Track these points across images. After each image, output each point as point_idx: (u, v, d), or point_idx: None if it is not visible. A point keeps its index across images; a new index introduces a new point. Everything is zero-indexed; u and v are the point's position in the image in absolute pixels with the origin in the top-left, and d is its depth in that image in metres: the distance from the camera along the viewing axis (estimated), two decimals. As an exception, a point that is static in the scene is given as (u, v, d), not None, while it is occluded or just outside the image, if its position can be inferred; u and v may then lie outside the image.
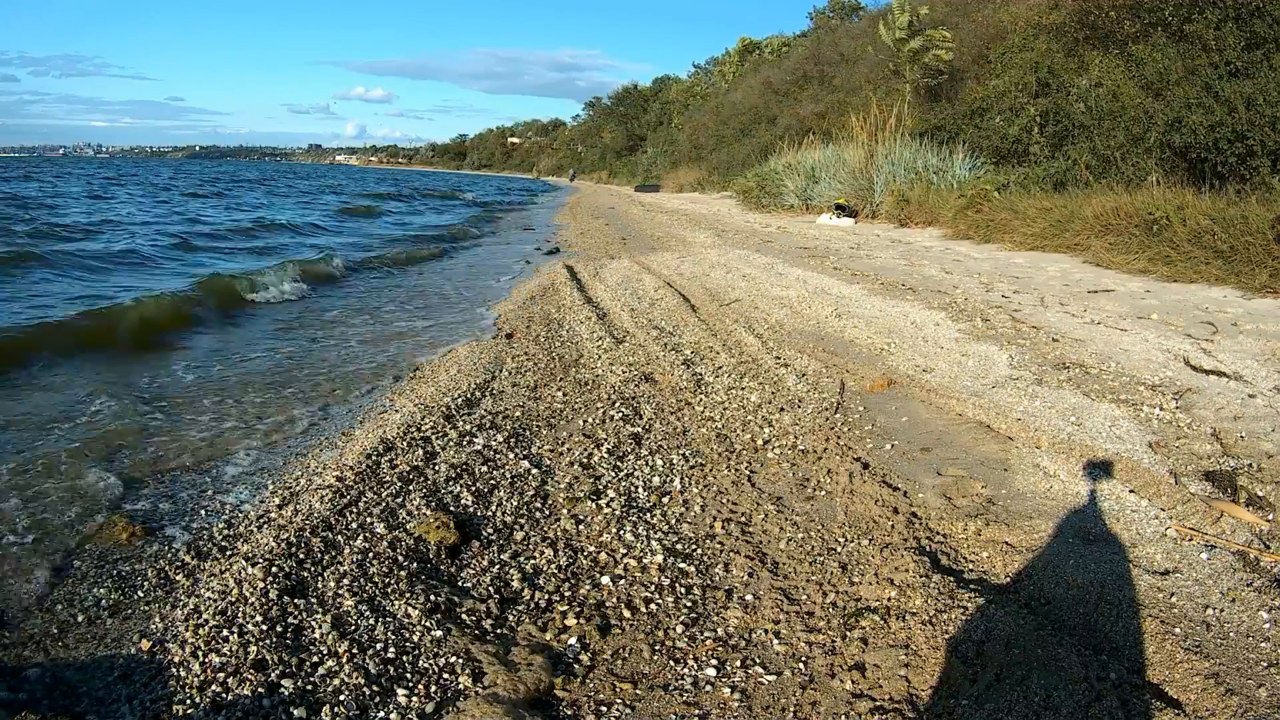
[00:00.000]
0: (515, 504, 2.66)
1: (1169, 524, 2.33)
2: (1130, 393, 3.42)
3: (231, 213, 15.90)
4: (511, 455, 3.06)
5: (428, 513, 2.51)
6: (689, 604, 2.10)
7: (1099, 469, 2.71)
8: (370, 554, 2.26)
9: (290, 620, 1.95)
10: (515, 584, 2.20)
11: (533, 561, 2.32)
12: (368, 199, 23.05)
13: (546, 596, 2.14)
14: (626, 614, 2.06)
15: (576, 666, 1.86)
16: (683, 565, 2.29)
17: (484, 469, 2.92)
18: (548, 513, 2.61)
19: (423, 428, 3.30)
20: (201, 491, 2.81)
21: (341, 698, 1.71)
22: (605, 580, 2.21)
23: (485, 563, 2.30)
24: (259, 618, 1.93)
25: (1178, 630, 1.84)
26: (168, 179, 32.39)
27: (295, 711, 1.66)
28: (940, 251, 8.40)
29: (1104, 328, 4.55)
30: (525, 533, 2.48)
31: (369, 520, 2.47)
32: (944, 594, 2.00)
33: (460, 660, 1.84)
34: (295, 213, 16.69)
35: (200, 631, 1.88)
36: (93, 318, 5.29)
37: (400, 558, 2.25)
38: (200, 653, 1.81)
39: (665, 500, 2.70)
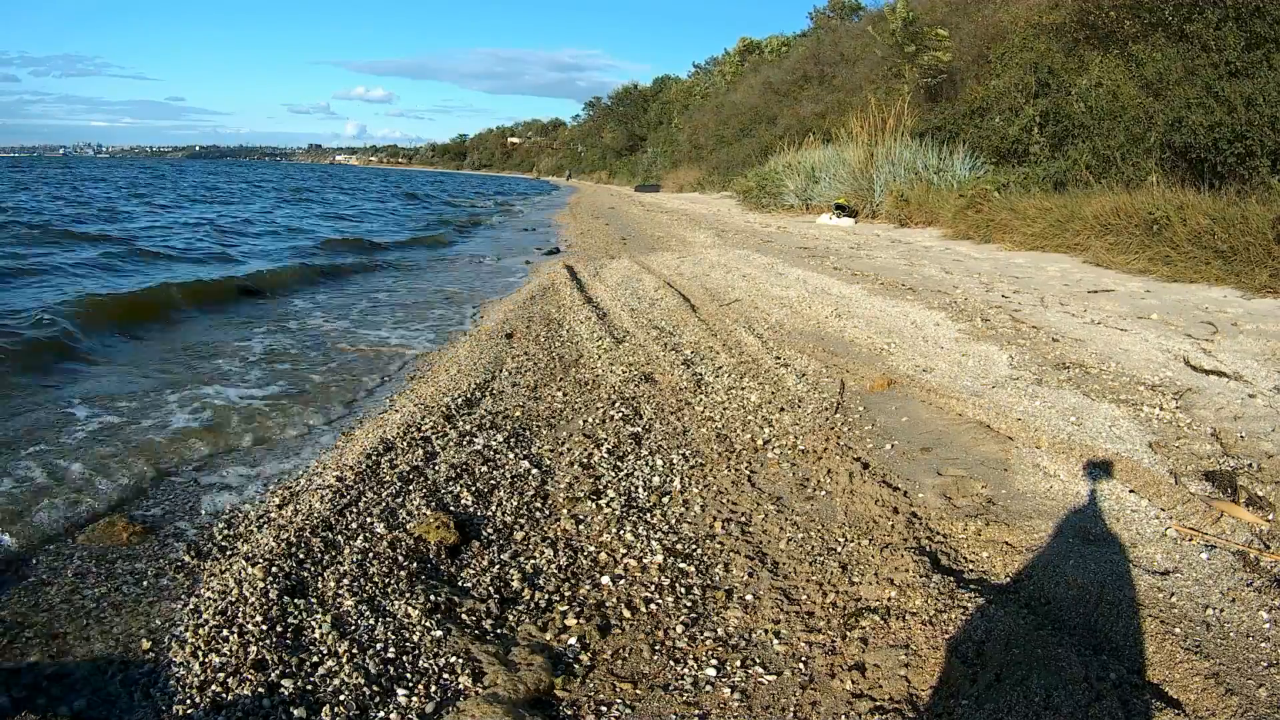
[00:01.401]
0: (515, 504, 2.66)
1: (1169, 524, 2.33)
2: (1130, 393, 3.42)
3: (390, 221, 17.30)
4: (511, 455, 3.05)
5: (428, 513, 2.51)
6: (689, 604, 2.10)
7: (1099, 469, 2.71)
8: (370, 554, 2.26)
9: (290, 620, 1.95)
10: (515, 584, 2.20)
11: (533, 561, 2.32)
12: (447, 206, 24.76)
13: (546, 596, 2.14)
14: (626, 614, 2.06)
15: (576, 666, 1.86)
16: (683, 565, 2.29)
17: (484, 469, 2.92)
18: (548, 513, 2.61)
19: (423, 428, 3.30)
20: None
21: (341, 698, 1.71)
22: (605, 580, 2.21)
23: (485, 563, 2.30)
24: (259, 618, 1.93)
25: (1178, 630, 1.84)
26: (246, 186, 31.45)
27: (295, 711, 1.66)
28: (940, 251, 8.40)
29: (1104, 328, 4.55)
30: (525, 533, 2.48)
31: (369, 520, 2.47)
32: (944, 594, 2.00)
33: (460, 660, 1.84)
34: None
35: (200, 631, 1.88)
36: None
37: (400, 558, 2.25)
38: (200, 653, 1.81)
39: (665, 500, 2.70)
